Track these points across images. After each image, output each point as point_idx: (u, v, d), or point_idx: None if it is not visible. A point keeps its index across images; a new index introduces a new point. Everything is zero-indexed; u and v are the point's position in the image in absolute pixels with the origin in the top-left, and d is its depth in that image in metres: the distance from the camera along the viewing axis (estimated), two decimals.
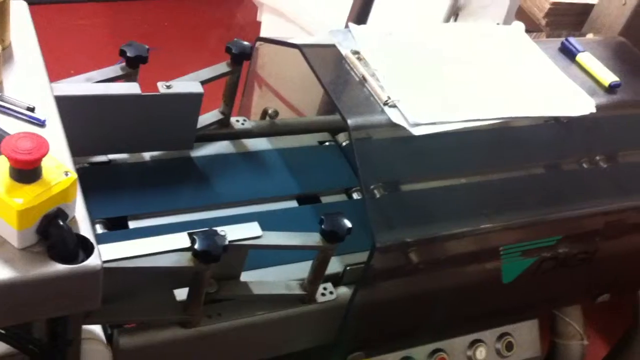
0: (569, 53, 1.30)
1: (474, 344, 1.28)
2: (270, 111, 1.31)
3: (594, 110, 1.16)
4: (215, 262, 0.84)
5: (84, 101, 1.02)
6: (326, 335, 1.07)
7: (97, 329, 0.92)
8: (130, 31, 2.82)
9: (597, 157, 1.20)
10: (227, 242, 0.86)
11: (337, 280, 1.06)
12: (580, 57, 1.28)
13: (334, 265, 1.04)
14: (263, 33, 2.41)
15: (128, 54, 1.07)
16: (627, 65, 1.32)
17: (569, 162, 1.21)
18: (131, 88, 1.06)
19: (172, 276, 0.91)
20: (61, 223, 0.71)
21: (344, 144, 1.30)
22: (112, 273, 0.79)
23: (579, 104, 1.17)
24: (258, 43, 1.28)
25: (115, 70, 1.09)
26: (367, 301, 1.03)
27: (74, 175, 0.72)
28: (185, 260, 0.84)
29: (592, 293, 1.32)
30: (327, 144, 1.31)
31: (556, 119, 1.16)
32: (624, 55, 1.36)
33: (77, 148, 0.82)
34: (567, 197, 1.15)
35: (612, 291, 1.32)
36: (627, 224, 1.20)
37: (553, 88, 1.19)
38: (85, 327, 0.89)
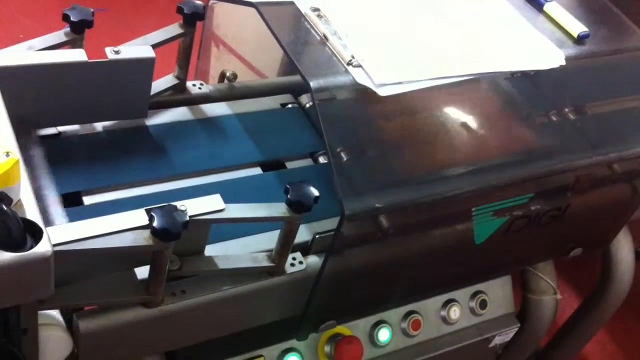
0: (535, 3, 1.26)
1: (447, 303, 1.27)
2: (228, 74, 1.25)
3: (563, 62, 1.13)
4: (176, 239, 0.80)
5: (26, 71, 0.95)
6: (297, 306, 1.03)
7: (55, 313, 0.88)
8: None
9: (567, 111, 1.17)
10: (187, 218, 0.81)
11: (306, 249, 1.02)
12: (547, 7, 1.24)
13: (303, 234, 1.01)
14: None
15: (72, 19, 1.00)
16: (594, 15, 1.28)
17: (538, 117, 1.18)
18: (77, 55, 0.99)
19: (130, 255, 0.86)
20: (5, 208, 0.66)
21: (307, 105, 1.25)
22: (64, 256, 0.74)
23: (548, 56, 1.13)
24: (212, 2, 1.21)
25: (59, 36, 1.02)
26: (338, 269, 1.00)
27: (15, 156, 0.67)
28: (143, 239, 0.79)
29: (565, 248, 1.30)
30: (289, 106, 1.25)
31: (525, 73, 1.13)
32: (592, 4, 1.33)
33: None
34: (538, 154, 1.12)
35: (584, 245, 1.31)
36: (597, 178, 1.18)
37: (521, 41, 1.15)
38: (42, 312, 0.84)
